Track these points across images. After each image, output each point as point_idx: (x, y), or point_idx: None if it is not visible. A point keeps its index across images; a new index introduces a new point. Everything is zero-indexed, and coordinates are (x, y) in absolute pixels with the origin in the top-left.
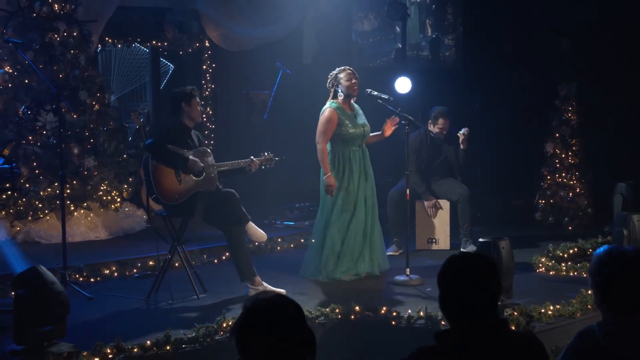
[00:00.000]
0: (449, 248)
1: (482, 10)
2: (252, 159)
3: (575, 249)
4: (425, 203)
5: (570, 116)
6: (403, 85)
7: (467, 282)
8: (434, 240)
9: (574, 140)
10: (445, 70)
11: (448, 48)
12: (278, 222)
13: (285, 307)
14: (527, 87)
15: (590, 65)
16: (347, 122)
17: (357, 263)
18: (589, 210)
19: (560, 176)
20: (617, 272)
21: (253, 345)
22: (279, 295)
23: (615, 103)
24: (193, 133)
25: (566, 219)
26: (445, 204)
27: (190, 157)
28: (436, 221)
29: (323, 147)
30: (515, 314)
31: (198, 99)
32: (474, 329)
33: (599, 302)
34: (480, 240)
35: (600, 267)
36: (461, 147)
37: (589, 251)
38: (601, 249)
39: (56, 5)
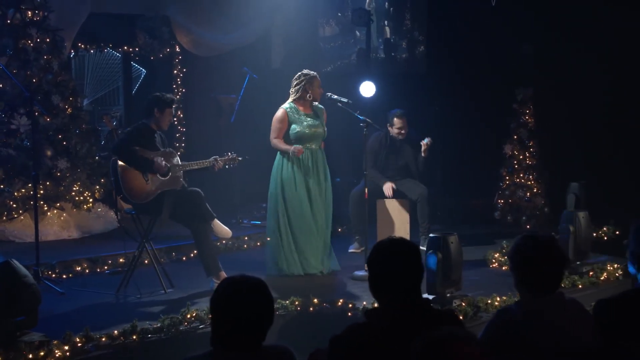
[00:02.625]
0: None
1: (442, 14)
2: (216, 159)
3: None
4: (383, 187)
5: (527, 119)
6: (367, 89)
7: (393, 264)
8: None
9: (531, 142)
10: (406, 73)
11: (407, 52)
12: (245, 221)
13: (250, 283)
14: (487, 90)
15: (546, 70)
16: (297, 122)
17: (309, 260)
18: (546, 209)
19: (518, 177)
20: (532, 255)
21: (224, 316)
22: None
23: (570, 106)
24: (157, 135)
25: (524, 217)
26: (404, 202)
27: (156, 159)
28: (396, 220)
29: (275, 141)
30: (463, 304)
31: (172, 110)
32: (399, 306)
33: (516, 283)
34: (431, 235)
35: (518, 251)
36: (422, 155)
37: None
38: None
39: (29, 13)
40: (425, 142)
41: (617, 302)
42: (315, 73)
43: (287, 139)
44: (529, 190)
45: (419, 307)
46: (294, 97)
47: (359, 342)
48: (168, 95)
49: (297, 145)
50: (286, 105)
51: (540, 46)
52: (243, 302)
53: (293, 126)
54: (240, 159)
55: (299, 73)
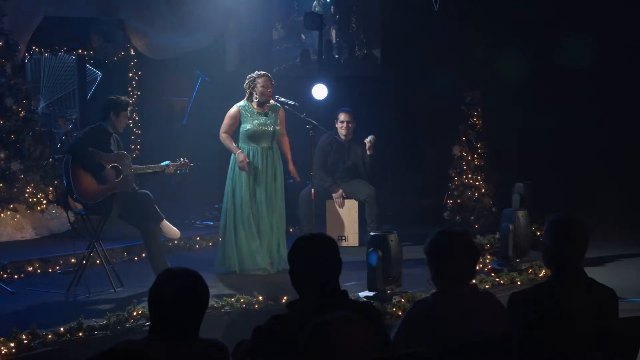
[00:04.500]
0: (357, 245)
1: (393, 18)
2: (168, 164)
3: None
4: (333, 195)
5: (475, 121)
6: (319, 91)
7: (311, 258)
8: (343, 238)
9: (479, 144)
10: (354, 76)
11: (352, 54)
12: (198, 222)
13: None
14: (436, 92)
15: (493, 74)
16: (248, 120)
17: (257, 258)
18: (494, 209)
19: (466, 177)
20: (446, 249)
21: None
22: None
23: (517, 109)
24: (113, 138)
25: (472, 217)
26: (353, 203)
27: (107, 168)
28: (345, 219)
29: (224, 135)
30: (403, 300)
31: (127, 113)
32: (318, 298)
33: (432, 276)
34: (371, 234)
35: (433, 245)
36: (367, 152)
37: (487, 246)
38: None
39: None
40: (368, 139)
41: (528, 294)
42: (262, 73)
43: (241, 136)
44: (477, 190)
45: (337, 299)
46: (246, 98)
47: (279, 332)
48: (123, 98)
49: (242, 155)
50: (241, 103)
51: (488, 50)
52: (177, 293)
53: (244, 124)
54: (192, 164)
55: (251, 75)
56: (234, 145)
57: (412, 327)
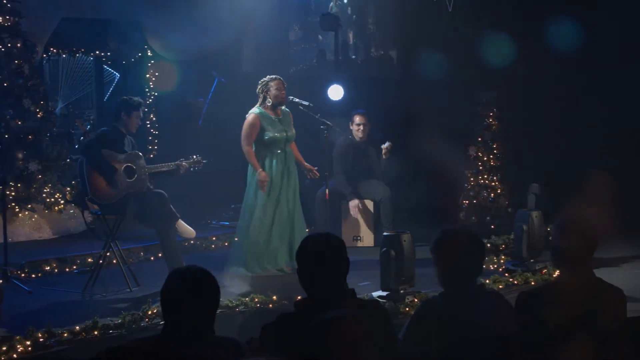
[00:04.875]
0: (373, 245)
1: (409, 19)
2: (181, 162)
3: (488, 245)
4: (349, 203)
5: (491, 121)
6: (335, 92)
7: (318, 257)
8: (359, 238)
9: (495, 144)
10: (371, 77)
11: (370, 55)
12: (214, 222)
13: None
14: (451, 92)
15: (509, 74)
16: (269, 127)
17: (277, 259)
18: (509, 209)
19: (482, 178)
20: (452, 247)
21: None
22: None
23: (532, 109)
24: (127, 138)
25: (488, 218)
26: (369, 203)
27: (118, 170)
28: (361, 219)
29: (248, 149)
30: (416, 300)
31: (140, 113)
32: (325, 297)
33: (439, 275)
34: (384, 234)
35: (438, 244)
36: (383, 157)
37: (502, 247)
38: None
39: (0, 18)
40: (385, 145)
41: (536, 294)
42: (274, 77)
43: (260, 143)
44: (493, 191)
45: (344, 297)
46: (259, 103)
47: (286, 330)
48: (135, 99)
49: (263, 174)
50: (256, 110)
51: (505, 50)
52: (187, 291)
53: (266, 132)
54: (204, 161)
55: (263, 79)
56: (257, 163)
57: (420, 327)
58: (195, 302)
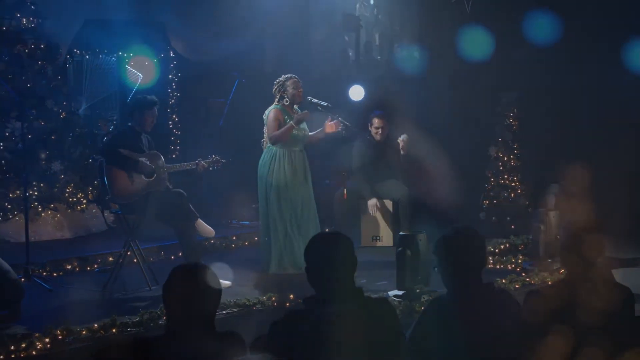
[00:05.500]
0: (392, 245)
1: (433, 20)
2: (200, 161)
3: (507, 245)
4: (368, 202)
5: (511, 122)
6: (356, 93)
7: (326, 255)
8: (378, 238)
9: (515, 145)
10: (396, 77)
11: (394, 55)
12: (234, 221)
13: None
14: (473, 92)
15: (530, 75)
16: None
17: (296, 258)
18: (529, 210)
19: (502, 178)
20: (455, 246)
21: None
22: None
23: (551, 110)
24: (144, 137)
25: (508, 218)
26: (388, 203)
27: (140, 160)
28: (380, 219)
29: (276, 133)
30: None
31: (154, 111)
32: (333, 294)
33: (442, 276)
34: (401, 233)
35: (442, 244)
36: (401, 152)
37: (520, 247)
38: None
39: (24, 20)
40: (402, 138)
41: (544, 292)
42: (289, 76)
43: (266, 143)
44: (513, 191)
45: (351, 295)
46: (275, 102)
47: (296, 327)
48: (149, 97)
49: (300, 114)
50: (277, 105)
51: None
52: (185, 287)
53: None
54: (223, 160)
55: (279, 79)
56: (286, 125)
57: (428, 325)
58: (192, 298)
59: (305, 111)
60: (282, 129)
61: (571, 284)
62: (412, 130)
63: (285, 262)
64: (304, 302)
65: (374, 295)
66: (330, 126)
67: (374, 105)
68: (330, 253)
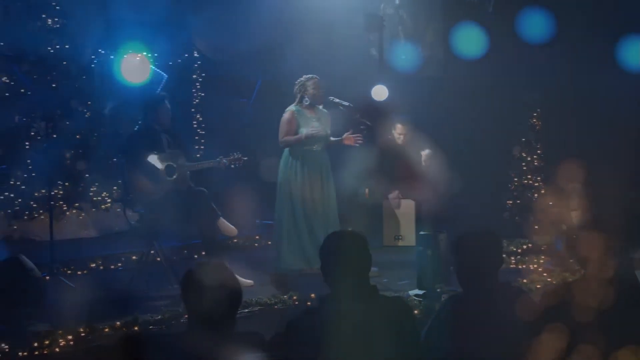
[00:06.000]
0: (414, 244)
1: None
2: (221, 159)
3: (529, 245)
4: (389, 196)
5: (535, 122)
6: (380, 93)
7: (340, 254)
8: (400, 237)
9: (538, 145)
10: (419, 77)
11: (420, 56)
12: (258, 221)
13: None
14: (497, 92)
15: (553, 75)
16: (305, 124)
17: (311, 258)
18: (553, 209)
19: (526, 178)
20: (471, 247)
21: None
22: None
23: (575, 110)
24: (162, 135)
25: (532, 218)
26: (410, 203)
27: (162, 167)
28: (402, 219)
29: (285, 139)
30: None
31: (166, 106)
32: (348, 293)
33: (458, 276)
34: (421, 233)
35: (458, 246)
36: (423, 164)
37: (543, 247)
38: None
39: (49, 21)
40: (425, 152)
41: (558, 291)
42: (310, 76)
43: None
44: (536, 191)
45: (365, 293)
46: (296, 102)
47: (312, 325)
48: (156, 94)
49: (309, 130)
50: (293, 107)
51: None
52: (204, 285)
53: (301, 129)
54: (245, 158)
55: (300, 79)
56: (296, 136)
57: (443, 323)
58: (211, 295)
59: (319, 130)
60: (293, 138)
61: (586, 283)
62: (431, 134)
63: (291, 260)
64: (319, 300)
65: (391, 294)
66: (349, 139)
67: (397, 107)
68: (341, 251)
